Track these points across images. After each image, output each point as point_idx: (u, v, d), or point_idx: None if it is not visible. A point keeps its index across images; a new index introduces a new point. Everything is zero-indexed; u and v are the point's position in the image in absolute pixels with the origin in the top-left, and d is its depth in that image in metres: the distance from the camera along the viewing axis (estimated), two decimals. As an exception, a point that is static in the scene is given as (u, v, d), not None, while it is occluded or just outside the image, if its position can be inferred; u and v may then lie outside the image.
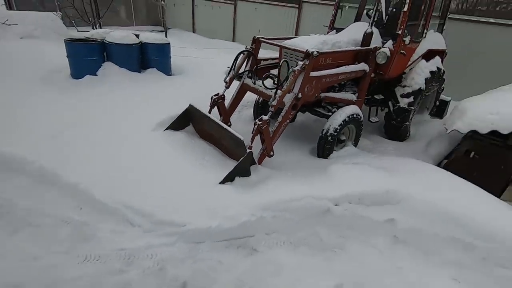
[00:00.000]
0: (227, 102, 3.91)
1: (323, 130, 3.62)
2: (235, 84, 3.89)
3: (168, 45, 6.18)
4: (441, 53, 4.78)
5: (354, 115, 3.70)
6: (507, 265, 2.31)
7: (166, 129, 3.74)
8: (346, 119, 3.60)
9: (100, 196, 2.62)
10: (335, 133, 3.56)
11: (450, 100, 5.33)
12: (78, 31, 9.34)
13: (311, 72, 3.21)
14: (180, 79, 6.26)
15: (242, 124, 4.50)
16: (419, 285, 2.30)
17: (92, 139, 3.46)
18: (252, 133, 3.06)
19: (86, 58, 5.33)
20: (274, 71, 4.01)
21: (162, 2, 8.21)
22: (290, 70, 3.12)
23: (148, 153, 3.25)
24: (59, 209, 2.58)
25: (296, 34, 9.55)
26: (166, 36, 8.21)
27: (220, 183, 2.82)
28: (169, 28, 14.36)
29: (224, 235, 2.47)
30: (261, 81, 3.68)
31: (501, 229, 2.40)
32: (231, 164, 3.02)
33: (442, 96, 5.34)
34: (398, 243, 2.61)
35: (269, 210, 2.55)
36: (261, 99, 4.53)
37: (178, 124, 3.78)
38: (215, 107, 3.80)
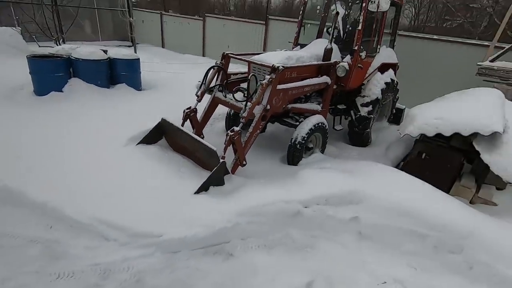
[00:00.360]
0: (199, 115, 4.03)
1: (292, 138, 3.85)
2: (207, 97, 4.03)
3: (137, 60, 6.20)
4: (394, 66, 5.30)
5: (320, 124, 3.99)
6: (455, 251, 2.62)
7: (139, 143, 3.76)
8: (312, 128, 3.86)
9: (72, 213, 2.59)
10: (303, 141, 3.80)
11: (404, 108, 5.86)
12: (39, 46, 9.03)
13: (278, 85, 3.45)
14: (150, 93, 6.28)
15: (215, 136, 4.62)
16: (382, 276, 2.53)
17: (60, 156, 3.39)
18: (225, 144, 3.20)
19: (51, 75, 5.20)
20: (244, 85, 4.25)
21: (131, 19, 8.22)
22: (259, 83, 3.33)
23: (121, 167, 3.25)
24: (27, 230, 2.51)
25: (264, 49, 9.98)
26: (135, 52, 8.20)
27: (195, 193, 2.90)
28: (137, 43, 14.29)
29: (201, 243, 2.54)
30: (231, 94, 3.87)
31: (449, 220, 2.72)
32: (205, 175, 3.12)
33: (398, 105, 5.87)
34: (363, 238, 2.84)
35: (244, 216, 2.67)
36: (232, 111, 4.70)
37: (150, 138, 3.82)
38: (188, 120, 3.90)
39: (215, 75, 3.99)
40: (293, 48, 5.18)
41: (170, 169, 3.31)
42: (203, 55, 12.18)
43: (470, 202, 3.54)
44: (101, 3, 13.53)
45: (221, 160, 3.01)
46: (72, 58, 5.44)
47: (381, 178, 3.16)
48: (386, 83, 4.86)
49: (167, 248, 2.45)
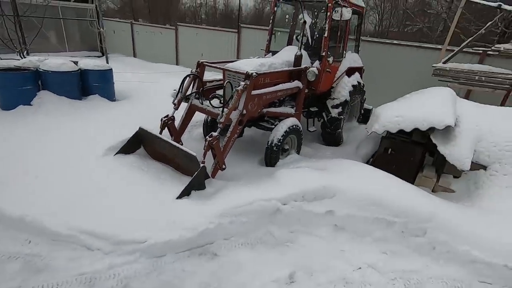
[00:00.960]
0: (176, 123, 4.10)
1: (268, 141, 4.03)
2: (183, 105, 4.11)
3: (110, 70, 6.14)
4: (360, 70, 5.68)
5: (294, 126, 4.20)
6: (419, 234, 2.89)
7: (117, 153, 3.76)
8: (287, 130, 4.07)
9: (51, 225, 2.57)
10: (279, 143, 3.99)
11: (372, 108, 6.26)
12: (1, 59, 8.61)
13: (252, 91, 3.62)
14: (125, 103, 6.22)
15: (193, 142, 4.70)
16: (358, 262, 2.74)
17: (35, 170, 3.32)
18: (204, 149, 3.30)
19: (18, 88, 5.03)
20: (220, 92, 4.39)
21: (102, 29, 8.10)
22: (234, 90, 3.48)
23: (99, 177, 3.25)
24: (4, 246, 2.47)
25: (238, 57, 10.18)
26: (107, 62, 8.06)
27: (177, 198, 2.97)
28: (108, 54, 13.97)
29: (185, 246, 2.62)
30: (208, 101, 3.99)
31: (412, 207, 2.99)
32: (186, 180, 3.19)
33: (366, 105, 6.27)
34: (338, 230, 3.05)
35: (226, 216, 2.79)
36: (209, 118, 4.81)
37: (128, 147, 3.83)
38: (166, 128, 3.96)
39: (191, 83, 4.10)
40: (265, 55, 5.40)
41: (150, 177, 3.35)
42: (177, 64, 12.17)
43: (432, 191, 3.89)
44: (67, 13, 13.13)
45: (201, 165, 3.11)
46: (41, 70, 5.30)
47: (351, 173, 3.41)
48: (353, 86, 5.20)
49: (152, 253, 2.50)
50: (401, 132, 3.87)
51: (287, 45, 5.59)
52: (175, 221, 2.67)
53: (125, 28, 13.37)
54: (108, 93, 6.18)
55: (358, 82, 5.40)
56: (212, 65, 4.13)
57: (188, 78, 4.01)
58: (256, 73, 3.53)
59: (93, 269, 2.32)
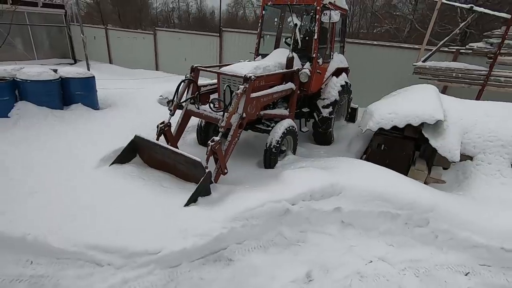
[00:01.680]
0: (172, 129, 4.01)
1: (267, 143, 4.05)
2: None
3: (92, 78, 5.89)
4: (346, 70, 5.87)
5: (291, 127, 4.26)
6: (422, 224, 3.03)
7: (112, 163, 3.62)
8: (285, 131, 4.11)
9: (55, 243, 2.42)
10: (278, 145, 4.02)
11: (357, 107, 6.49)
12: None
13: (251, 94, 3.63)
14: (110, 112, 5.99)
15: (188, 148, 4.62)
16: (368, 256, 2.82)
17: (29, 186, 3.11)
18: (206, 154, 3.26)
19: (-7, 99, 4.70)
20: (214, 96, 4.36)
21: (82, 36, 7.76)
22: (234, 94, 3.47)
23: (99, 189, 3.10)
24: (7, 268, 2.29)
25: (220, 60, 10.15)
26: (88, 69, 7.74)
27: (185, 205, 2.91)
28: (80, 60, 13.39)
29: (200, 253, 2.57)
30: (208, 105, 3.95)
31: (414, 199, 3.12)
32: (190, 187, 3.14)
33: (352, 104, 6.47)
34: (345, 226, 3.12)
35: (238, 220, 2.76)
36: (203, 123, 4.76)
37: (124, 157, 3.70)
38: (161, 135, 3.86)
39: (186, 88, 4.03)
40: (254, 58, 5.43)
41: (152, 185, 3.25)
42: (157, 69, 11.90)
43: (424, 183, 4.08)
44: (34, 18, 12.45)
45: (206, 170, 3.07)
46: (18, 79, 4.98)
47: (353, 170, 3.51)
48: (341, 86, 5.36)
49: (166, 263, 2.43)
50: (393, 128, 4.04)
51: (275, 48, 5.67)
52: (187, 228, 2.61)
53: (98, 34, 12.89)
54: (92, 102, 5.92)
55: (345, 82, 5.58)
56: (207, 69, 4.09)
57: (183, 83, 3.95)
58: (254, 76, 3.55)
59: (106, 286, 2.22)
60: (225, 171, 3.50)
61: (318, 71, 4.87)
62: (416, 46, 7.15)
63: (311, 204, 3.08)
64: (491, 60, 5.40)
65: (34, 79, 5.03)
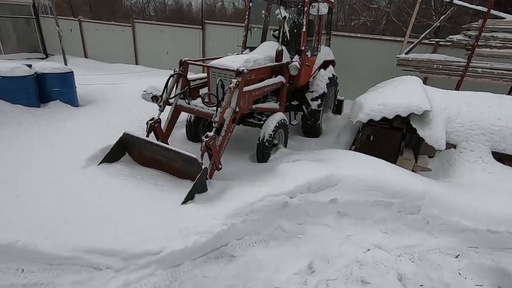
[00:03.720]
0: (162, 125, 3.90)
1: (260, 137, 4.03)
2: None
3: (71, 73, 5.60)
4: (332, 63, 5.93)
5: (282, 121, 4.26)
6: (414, 211, 3.15)
7: (101, 162, 3.47)
8: (277, 125, 4.11)
9: (48, 249, 2.30)
10: (270, 138, 4.02)
11: (344, 99, 6.60)
12: None
13: (243, 88, 3.58)
14: (91, 109, 5.73)
15: (178, 144, 4.51)
16: (365, 244, 2.90)
17: (12, 189, 2.91)
18: (201, 150, 3.20)
19: (-38, 98, 4.35)
20: (203, 90, 4.26)
21: (58, 28, 7.29)
22: (226, 88, 3.41)
23: (90, 190, 2.97)
24: (-5, 279, 2.15)
25: (204, 54, 9.94)
26: (65, 64, 7.32)
27: (182, 203, 2.84)
28: (51, 55, 12.65)
29: (201, 251, 2.53)
30: (195, 100, 3.86)
31: (406, 187, 3.23)
32: (186, 184, 3.08)
33: (338, 97, 6.57)
34: (342, 216, 3.19)
35: (238, 216, 2.74)
36: (192, 118, 4.66)
37: (113, 155, 3.55)
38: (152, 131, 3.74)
39: (175, 83, 3.92)
40: (242, 51, 5.36)
41: (146, 184, 3.15)
42: (137, 63, 11.48)
43: (411, 171, 4.24)
44: (-1, 10, 11.59)
45: (203, 167, 3.01)
46: (-12, 76, 4.64)
47: (346, 161, 3.57)
48: (329, 78, 5.41)
49: (168, 263, 2.38)
50: (382, 119, 4.14)
51: (262, 41, 5.62)
52: (187, 227, 2.56)
53: (71, 26, 12.21)
54: (71, 98, 5.63)
55: (332, 74, 5.64)
56: (196, 63, 3.99)
57: (172, 78, 3.82)
58: (246, 69, 3.50)
59: (107, 290, 2.14)
60: (220, 166, 3.45)
61: (306, 63, 4.89)
62: (398, 39, 7.34)
63: (309, 196, 3.11)
64: (469, 52, 5.65)
65: (7, 75, 4.70)
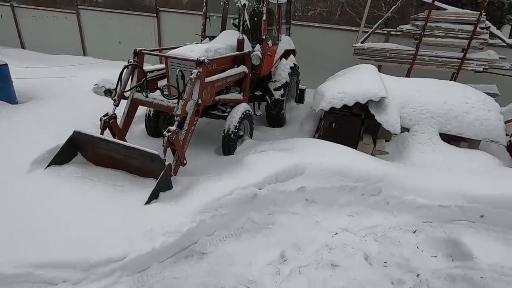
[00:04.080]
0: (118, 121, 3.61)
1: (225, 129, 3.94)
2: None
3: (5, 66, 4.93)
4: (293, 52, 5.97)
5: (247, 112, 4.20)
6: (375, 193, 3.33)
7: (49, 165, 3.12)
8: (242, 116, 4.04)
9: (-10, 268, 2.02)
10: (236, 130, 3.94)
11: (305, 88, 6.71)
12: None
13: (205, 78, 3.44)
14: (33, 106, 5.12)
15: (137, 140, 4.23)
16: (333, 229, 3.00)
17: None
18: (163, 145, 3.02)
19: None
20: (162, 82, 4.02)
21: None
22: (187, 79, 3.24)
23: (39, 197, 2.66)
24: None
25: (160, 43, 9.42)
26: (-5, 56, 6.41)
27: (146, 203, 2.68)
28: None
29: (170, 251, 2.42)
30: (153, 93, 3.63)
31: (367, 171, 3.39)
32: (149, 182, 2.90)
33: (300, 86, 6.66)
34: (309, 203, 3.26)
35: (206, 212, 2.66)
36: (151, 112, 4.39)
37: (63, 156, 3.22)
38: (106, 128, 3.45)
39: (130, 74, 3.63)
40: (201, 40, 5.15)
41: (104, 186, 2.91)
42: (84, 54, 10.52)
43: (371, 155, 4.47)
44: None
45: (166, 163, 2.85)
46: None
47: (312, 149, 3.64)
48: (291, 68, 5.44)
49: (134, 268, 2.23)
50: (342, 107, 4.28)
51: (221, 30, 5.44)
52: (152, 228, 2.41)
53: (2, 12, 10.76)
54: (7, 95, 4.98)
55: (294, 64, 5.68)
56: (153, 53, 3.73)
57: (126, 69, 3.54)
58: (208, 59, 3.35)
59: (65, 305, 1.94)
60: (184, 162, 3.31)
61: (268, 53, 4.84)
62: (353, 28, 7.61)
63: (277, 186, 3.12)
64: (417, 41, 6.04)
65: None
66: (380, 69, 7.11)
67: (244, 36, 4.57)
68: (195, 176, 3.29)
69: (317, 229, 2.98)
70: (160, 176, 2.79)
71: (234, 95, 4.41)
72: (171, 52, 3.71)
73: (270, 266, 2.47)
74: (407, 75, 6.24)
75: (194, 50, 3.70)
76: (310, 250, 2.69)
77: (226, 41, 4.52)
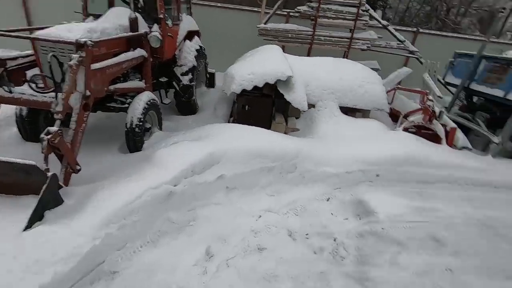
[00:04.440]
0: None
1: (127, 123, 3.43)
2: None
3: None
4: (197, 33, 5.60)
5: (151, 101, 3.74)
6: (292, 170, 3.46)
7: None
8: (146, 106, 3.58)
9: None
10: (140, 123, 3.48)
11: (215, 72, 6.49)
12: None
13: (91, 65, 2.85)
14: None
15: (10, 148, 3.35)
16: (256, 212, 2.99)
17: None
18: (43, 152, 2.41)
19: None
20: (31, 72, 3.20)
21: None
22: (65, 66, 2.61)
23: None
24: None
25: (29, 23, 7.60)
26: None
27: (25, 229, 2.09)
28: None
29: (68, 282, 1.97)
30: (21, 87, 2.84)
31: (283, 150, 3.49)
32: (28, 201, 2.29)
33: (209, 69, 6.39)
34: (230, 190, 3.16)
35: (112, 223, 2.26)
36: (24, 111, 3.49)
37: None
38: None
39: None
40: (84, 19, 4.29)
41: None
42: None
43: (284, 133, 4.65)
44: None
45: (49, 174, 2.28)
46: None
47: (228, 134, 3.52)
48: (197, 50, 5.11)
49: (16, 316, 1.73)
50: (253, 88, 4.25)
51: (109, 7, 4.64)
52: (39, 259, 1.90)
53: None
54: None
55: (200, 46, 5.35)
56: (12, 34, 2.88)
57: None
58: (91, 41, 2.77)
59: None
60: (78, 168, 2.74)
61: (169, 34, 4.39)
62: (255, 9, 7.63)
63: (195, 179, 2.90)
64: (313, 22, 6.46)
65: None
66: (284, 49, 7.42)
67: (138, 15, 3.99)
68: (96, 182, 2.77)
69: (241, 215, 2.91)
70: (42, 191, 2.21)
71: (135, 83, 3.87)
72: (40, 33, 2.93)
73: (196, 266, 2.29)
74: (308, 54, 6.67)
75: (73, 30, 3.01)
76: (236, 239, 2.61)
77: (116, 20, 3.85)
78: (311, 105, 4.79)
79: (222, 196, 3.09)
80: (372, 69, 5.66)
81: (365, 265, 2.45)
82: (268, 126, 4.58)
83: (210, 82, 6.51)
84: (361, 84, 4.86)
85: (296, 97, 4.26)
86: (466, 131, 4.96)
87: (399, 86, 5.97)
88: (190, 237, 2.57)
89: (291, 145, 3.53)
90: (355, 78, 4.93)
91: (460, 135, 4.68)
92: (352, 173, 3.61)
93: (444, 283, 2.36)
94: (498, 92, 4.78)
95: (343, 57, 6.55)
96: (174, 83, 4.85)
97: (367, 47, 6.76)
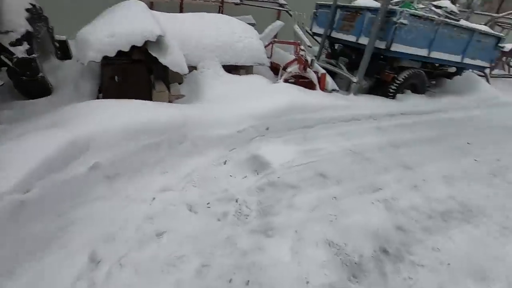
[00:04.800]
0: None
1: None
2: None
3: None
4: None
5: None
6: (182, 140, 3.19)
7: None
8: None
9: None
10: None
11: (67, 39, 5.17)
12: None
13: None
14: None
15: None
16: (147, 196, 2.65)
17: None
18: None
19: None
20: None
21: None
22: None
23: None
24: None
25: None
26: None
27: None
28: None
29: None
30: None
31: (168, 122, 3.14)
32: None
33: (57, 36, 5.03)
34: (113, 179, 2.68)
35: None
36: None
37: None
38: None
39: None
40: None
41: None
42: None
43: (169, 102, 4.22)
44: None
45: None
46: None
47: (96, 114, 2.88)
48: (28, 10, 3.83)
49: None
50: (119, 54, 3.55)
51: None
52: None
53: None
54: None
55: (32, 4, 4.03)
56: None
57: None
58: None
59: None
60: None
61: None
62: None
63: (57, 176, 2.28)
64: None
65: None
66: (152, 6, 6.51)
67: None
68: None
69: (131, 205, 2.52)
70: None
71: None
72: None
73: (81, 280, 1.87)
74: (180, 11, 6.06)
75: None
76: (128, 232, 2.26)
77: None
78: (192, 67, 4.43)
79: (103, 188, 2.58)
80: (248, 24, 5.60)
81: (267, 216, 2.55)
82: (149, 97, 4.05)
83: (64, 52, 5.19)
84: (239, 39, 4.76)
85: (173, 60, 3.80)
86: (333, 75, 5.64)
87: (275, 39, 6.18)
88: (66, 248, 2.06)
89: (176, 114, 3.21)
90: (233, 33, 4.78)
91: (329, 80, 5.29)
92: (244, 131, 3.61)
93: (333, 210, 2.69)
94: (351, 38, 5.52)
95: (218, 13, 6.24)
96: (2, 57, 3.59)
97: (240, 0, 6.62)
